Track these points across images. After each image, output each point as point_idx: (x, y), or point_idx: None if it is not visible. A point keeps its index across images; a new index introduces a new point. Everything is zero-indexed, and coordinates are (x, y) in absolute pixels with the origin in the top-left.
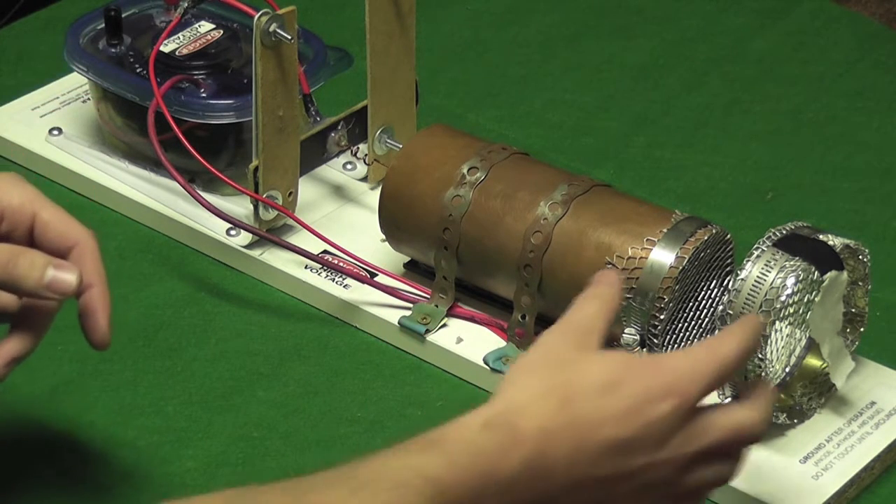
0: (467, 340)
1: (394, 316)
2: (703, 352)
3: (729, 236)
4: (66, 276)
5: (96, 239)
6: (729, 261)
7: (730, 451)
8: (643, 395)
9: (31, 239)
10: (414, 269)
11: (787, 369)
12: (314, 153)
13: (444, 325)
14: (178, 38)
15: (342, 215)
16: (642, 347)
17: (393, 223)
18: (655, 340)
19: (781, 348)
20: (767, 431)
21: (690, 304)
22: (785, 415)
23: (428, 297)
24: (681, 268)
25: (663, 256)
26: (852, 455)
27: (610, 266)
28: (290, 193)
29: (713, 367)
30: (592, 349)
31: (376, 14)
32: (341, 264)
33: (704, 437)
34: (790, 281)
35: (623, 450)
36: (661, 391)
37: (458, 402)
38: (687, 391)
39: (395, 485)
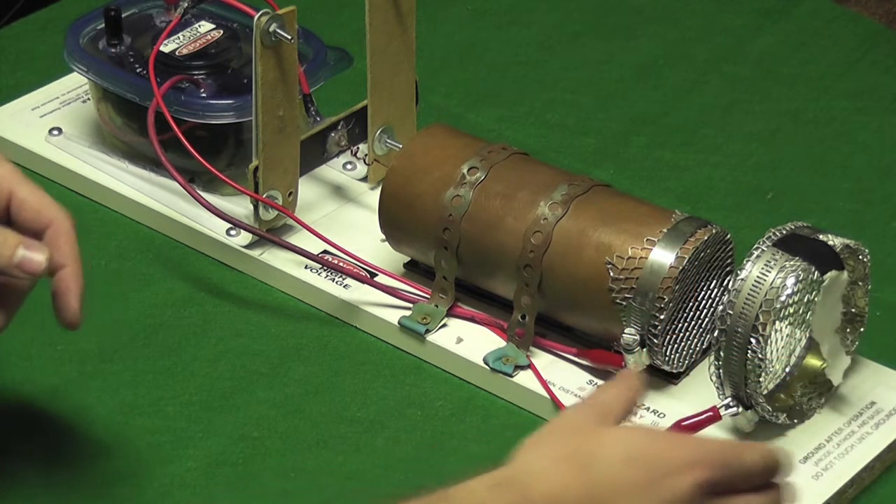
0: (467, 340)
1: (394, 316)
2: (737, 446)
3: (729, 236)
4: (36, 257)
5: (72, 220)
6: (729, 261)
7: None
8: (665, 466)
9: (7, 216)
10: (414, 269)
11: (787, 369)
12: (314, 153)
13: (444, 325)
14: (178, 38)
15: (342, 215)
16: (642, 347)
17: (393, 223)
18: (655, 340)
19: (781, 348)
20: None
21: (690, 304)
22: (785, 415)
23: (428, 297)
24: (681, 268)
25: (663, 256)
26: (852, 455)
27: (610, 265)
28: (290, 193)
29: (741, 450)
30: (613, 424)
31: (376, 14)
32: (341, 264)
33: None
34: (790, 281)
35: None
36: (683, 464)
37: (458, 402)
38: (707, 473)
39: None
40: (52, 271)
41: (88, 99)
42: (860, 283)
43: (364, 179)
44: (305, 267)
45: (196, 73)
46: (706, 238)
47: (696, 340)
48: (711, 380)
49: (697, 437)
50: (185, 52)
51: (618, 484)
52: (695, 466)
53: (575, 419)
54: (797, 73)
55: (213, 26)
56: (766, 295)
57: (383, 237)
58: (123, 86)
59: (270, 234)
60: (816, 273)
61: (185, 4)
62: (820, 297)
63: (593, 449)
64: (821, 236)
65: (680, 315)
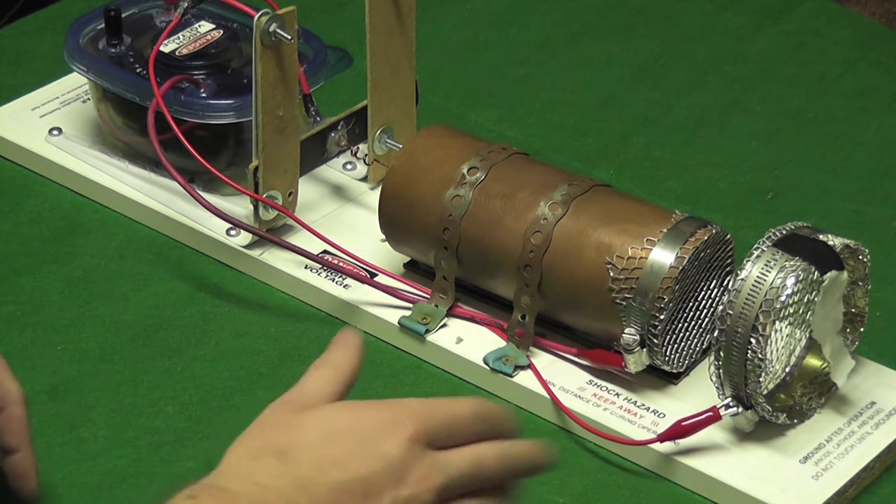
0: (467, 340)
1: (394, 316)
2: (443, 398)
3: (729, 236)
4: None
5: (25, 397)
6: (729, 261)
7: (480, 487)
8: (366, 433)
9: None
10: (414, 269)
11: (787, 369)
12: (314, 153)
13: (444, 325)
14: (178, 38)
15: (342, 215)
16: (642, 347)
17: (393, 223)
18: (655, 340)
19: (781, 348)
20: (520, 467)
21: (690, 304)
22: (785, 415)
23: (428, 297)
24: (681, 268)
25: (663, 256)
26: (852, 455)
27: (610, 265)
28: (290, 193)
29: (448, 407)
30: (315, 409)
31: (376, 14)
32: (341, 264)
33: (444, 471)
34: (790, 281)
35: (359, 491)
36: (385, 427)
37: None
38: (415, 426)
39: None
40: (5, 453)
41: (88, 99)
42: (860, 283)
43: (364, 179)
44: (305, 267)
45: (196, 73)
46: (706, 238)
47: (696, 340)
48: (711, 380)
49: (398, 399)
50: (185, 52)
51: (321, 463)
52: (397, 424)
53: (273, 416)
54: (797, 73)
55: (213, 26)
56: (766, 295)
57: (383, 237)
58: (123, 86)
59: (270, 234)
60: (816, 273)
61: (185, 4)
62: (820, 297)
63: (290, 436)
64: (821, 236)
65: (680, 315)
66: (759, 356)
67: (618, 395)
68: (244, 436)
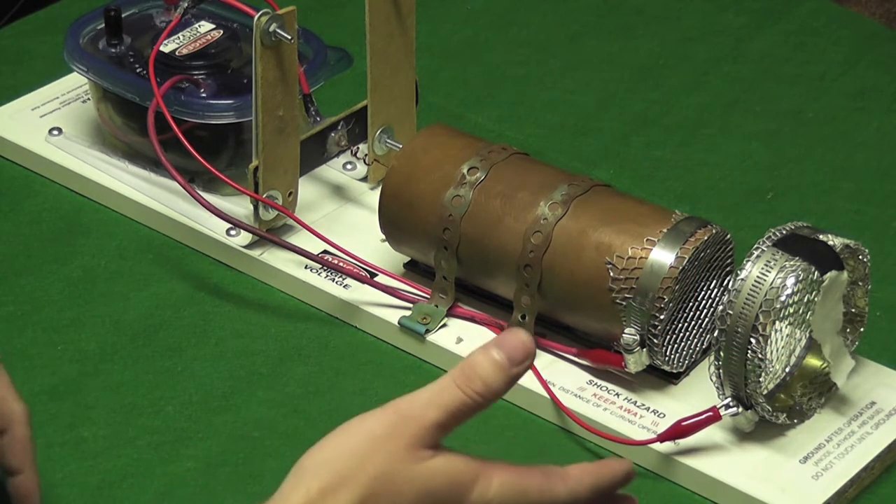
0: (467, 340)
1: (394, 316)
2: (541, 477)
3: (729, 236)
4: None
5: (28, 416)
6: (729, 261)
7: None
8: None
9: None
10: (414, 269)
11: (787, 369)
12: (314, 153)
13: (444, 325)
14: (178, 38)
15: (342, 215)
16: (642, 347)
17: (393, 223)
18: (655, 340)
19: (781, 348)
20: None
21: (690, 304)
22: (785, 415)
23: (428, 297)
24: (681, 268)
25: (663, 256)
26: (852, 455)
27: (610, 265)
28: (290, 193)
29: (540, 495)
30: (424, 447)
31: (376, 14)
32: (341, 264)
33: None
34: (790, 281)
35: None
36: None
37: None
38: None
39: None
40: (9, 474)
41: (88, 99)
42: (860, 283)
43: (364, 179)
44: (305, 267)
45: (196, 73)
46: (706, 238)
47: (696, 340)
48: (711, 380)
49: (495, 475)
50: (185, 52)
51: None
52: None
53: (366, 449)
54: (797, 73)
55: (213, 26)
56: (766, 295)
57: (383, 237)
58: (123, 86)
59: (270, 234)
60: (816, 273)
61: (185, 4)
62: (820, 297)
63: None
64: (821, 236)
65: (680, 315)
66: (759, 356)
67: (618, 395)
68: (322, 464)
